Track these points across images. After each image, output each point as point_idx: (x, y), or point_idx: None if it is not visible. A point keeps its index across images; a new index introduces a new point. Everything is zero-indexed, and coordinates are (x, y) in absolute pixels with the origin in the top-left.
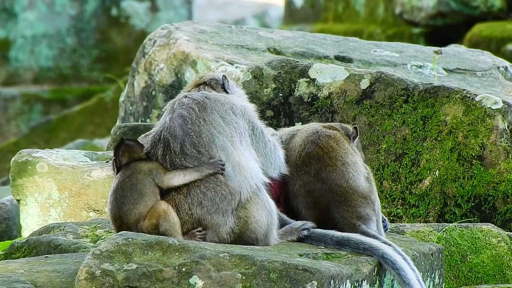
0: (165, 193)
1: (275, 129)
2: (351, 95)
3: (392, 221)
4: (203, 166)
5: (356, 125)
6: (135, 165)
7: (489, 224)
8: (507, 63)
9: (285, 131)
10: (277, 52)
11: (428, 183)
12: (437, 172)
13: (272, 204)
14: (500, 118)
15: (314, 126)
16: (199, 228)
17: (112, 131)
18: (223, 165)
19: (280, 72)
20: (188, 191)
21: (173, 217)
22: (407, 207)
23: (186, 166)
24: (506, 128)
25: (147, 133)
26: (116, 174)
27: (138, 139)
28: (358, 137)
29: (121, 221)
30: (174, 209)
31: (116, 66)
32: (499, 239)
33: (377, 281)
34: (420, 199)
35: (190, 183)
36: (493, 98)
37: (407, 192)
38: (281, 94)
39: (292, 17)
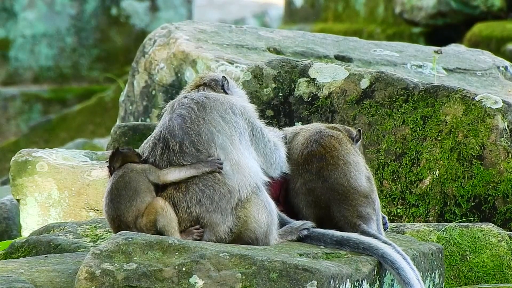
0: (162, 190)
1: (279, 128)
2: (351, 94)
3: (392, 221)
4: (200, 163)
5: (360, 129)
6: (127, 165)
7: (489, 223)
8: (507, 63)
9: (289, 130)
10: (277, 51)
11: (428, 183)
12: (437, 171)
13: (272, 203)
14: (500, 117)
15: (317, 126)
16: (197, 226)
17: (112, 130)
18: (221, 163)
19: (280, 72)
20: (187, 189)
21: (170, 213)
22: (407, 206)
23: (183, 164)
24: (506, 128)
25: (149, 137)
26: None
27: (134, 149)
28: (361, 140)
29: (119, 221)
30: (172, 207)
31: (116, 66)
32: (499, 238)
33: (377, 281)
34: (420, 199)
35: (189, 181)
36: (493, 98)
37: (407, 191)
38: (281, 94)
39: (292, 16)
